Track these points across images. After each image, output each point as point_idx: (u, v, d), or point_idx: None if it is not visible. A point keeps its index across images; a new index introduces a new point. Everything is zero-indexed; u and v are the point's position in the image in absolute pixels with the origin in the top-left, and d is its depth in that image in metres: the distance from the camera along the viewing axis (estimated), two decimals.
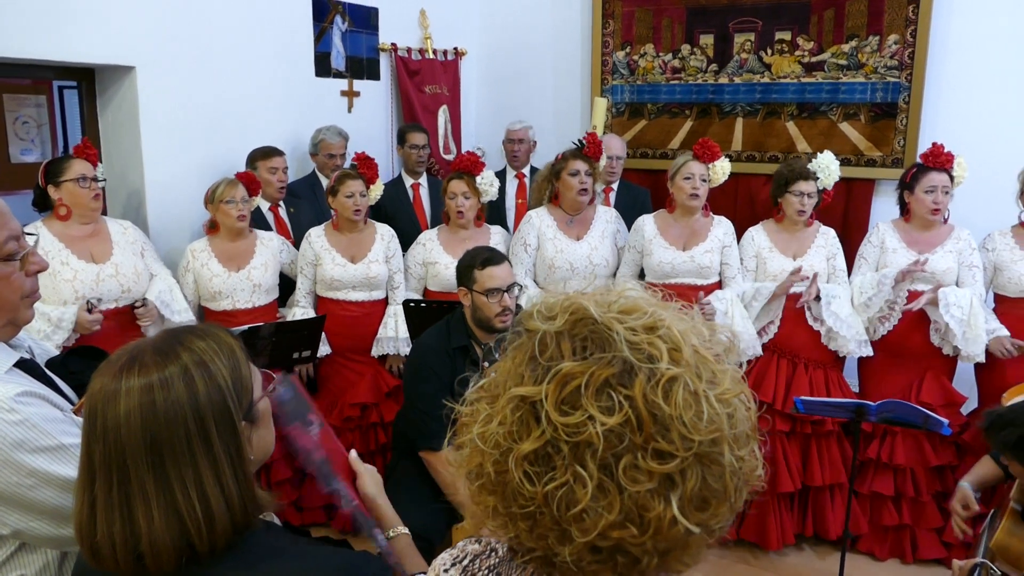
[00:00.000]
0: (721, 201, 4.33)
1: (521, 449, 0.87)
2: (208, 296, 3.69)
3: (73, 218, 3.28)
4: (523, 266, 3.97)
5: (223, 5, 4.08)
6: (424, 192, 4.81)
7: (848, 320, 3.67)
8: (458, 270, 3.04)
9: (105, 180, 3.49)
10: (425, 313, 3.61)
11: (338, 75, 4.82)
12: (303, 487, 3.93)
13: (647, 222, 3.91)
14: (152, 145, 3.84)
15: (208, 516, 1.07)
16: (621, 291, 0.95)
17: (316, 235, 3.90)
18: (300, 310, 3.86)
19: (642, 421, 0.84)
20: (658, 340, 0.88)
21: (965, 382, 3.80)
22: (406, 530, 1.60)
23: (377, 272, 3.88)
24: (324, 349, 3.82)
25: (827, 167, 3.76)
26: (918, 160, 3.75)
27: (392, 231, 4.04)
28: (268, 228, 4.12)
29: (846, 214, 4.60)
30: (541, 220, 3.99)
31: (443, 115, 5.36)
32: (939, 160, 3.62)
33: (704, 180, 3.78)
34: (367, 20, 4.97)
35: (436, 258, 3.94)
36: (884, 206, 4.35)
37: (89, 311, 3.15)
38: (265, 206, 4.19)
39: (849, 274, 3.86)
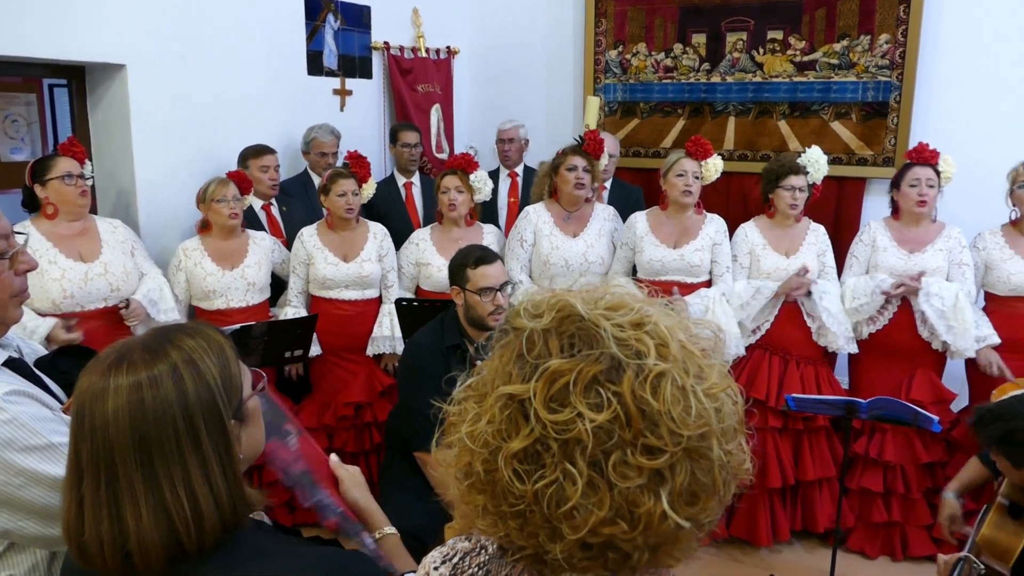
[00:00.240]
0: (713, 199, 4.34)
1: (510, 447, 0.87)
2: (201, 295, 3.67)
3: (61, 216, 3.25)
4: (519, 261, 3.98)
5: (215, 3, 4.06)
6: (416, 191, 4.80)
7: (838, 316, 3.69)
8: (451, 269, 3.04)
9: (92, 178, 3.47)
10: (418, 312, 3.61)
11: (330, 73, 4.82)
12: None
13: (639, 219, 3.91)
14: (143, 144, 3.83)
15: (197, 515, 1.06)
16: (607, 288, 0.95)
17: (308, 234, 3.89)
18: (292, 309, 3.85)
19: (631, 417, 0.84)
20: (645, 336, 0.88)
21: (955, 379, 3.82)
22: (394, 530, 1.59)
23: (370, 271, 3.88)
24: (315, 349, 3.81)
25: (816, 161, 3.78)
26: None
27: (385, 230, 4.03)
28: (260, 227, 4.11)
29: (838, 213, 4.61)
30: (538, 216, 4.00)
31: (436, 114, 5.35)
32: (923, 156, 3.66)
33: (697, 177, 3.79)
34: (359, 18, 4.96)
35: (429, 259, 3.94)
36: (875, 205, 4.36)
37: (68, 330, 3.05)
38: (258, 205, 4.18)
39: (839, 272, 3.88)
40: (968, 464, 2.80)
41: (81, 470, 1.08)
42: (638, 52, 5.10)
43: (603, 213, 4.08)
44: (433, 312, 3.35)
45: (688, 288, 3.80)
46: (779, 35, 4.71)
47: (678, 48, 4.98)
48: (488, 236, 4.02)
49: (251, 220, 4.04)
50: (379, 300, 3.99)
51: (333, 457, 1.63)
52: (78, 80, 3.86)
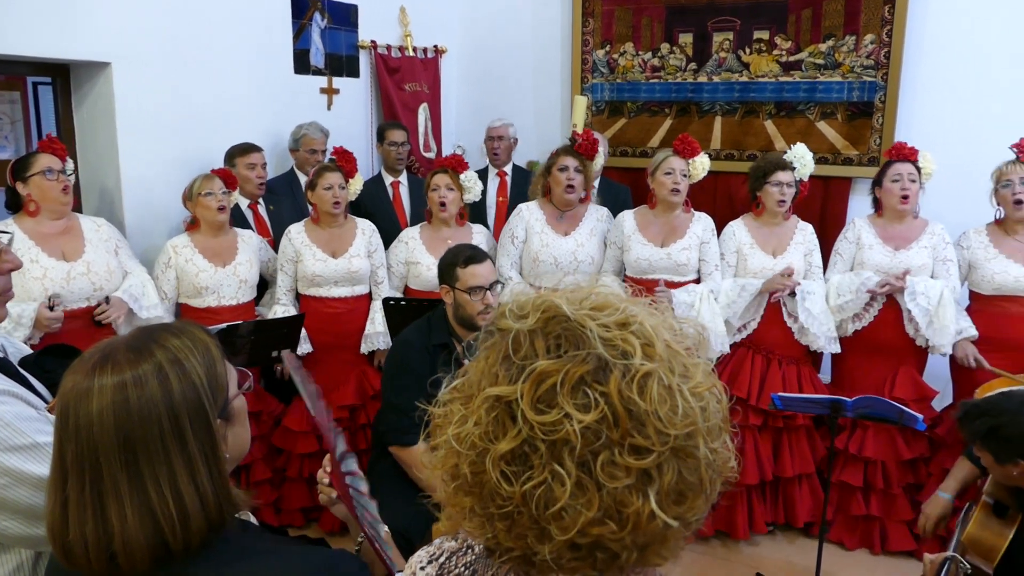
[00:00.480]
0: (700, 199, 4.35)
1: (498, 449, 0.87)
2: (192, 292, 3.65)
3: (43, 213, 3.22)
4: (509, 258, 3.99)
5: (201, 1, 4.04)
6: (404, 190, 4.80)
7: (820, 317, 3.71)
8: (440, 268, 3.03)
9: (73, 174, 3.43)
10: (406, 311, 3.61)
11: (317, 72, 4.80)
12: (282, 488, 3.92)
13: (627, 218, 3.92)
14: (128, 142, 3.80)
15: (182, 515, 1.06)
16: (592, 288, 0.95)
17: (296, 231, 3.87)
18: (282, 308, 3.83)
19: (618, 417, 0.84)
20: (631, 336, 0.88)
21: (937, 376, 3.86)
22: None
23: (359, 266, 3.87)
24: (305, 348, 3.80)
25: (802, 157, 3.81)
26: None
27: (373, 226, 4.02)
28: (248, 226, 4.09)
29: (823, 212, 4.64)
30: (531, 213, 4.01)
31: (423, 113, 5.35)
32: (903, 153, 3.71)
33: (685, 175, 3.80)
34: (346, 17, 4.95)
35: (418, 258, 3.93)
36: (861, 204, 4.39)
37: (51, 308, 3.06)
38: (244, 203, 4.17)
39: (824, 270, 3.90)
40: (958, 464, 2.82)
41: (66, 470, 1.07)
42: (625, 52, 5.11)
43: (596, 214, 4.08)
44: (421, 311, 3.34)
45: (675, 286, 3.80)
46: (765, 35, 4.73)
47: (665, 48, 5.00)
48: (477, 236, 4.02)
49: (238, 219, 4.02)
50: (369, 297, 3.98)
51: (340, 447, 1.63)
52: (63, 78, 3.83)
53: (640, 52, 5.07)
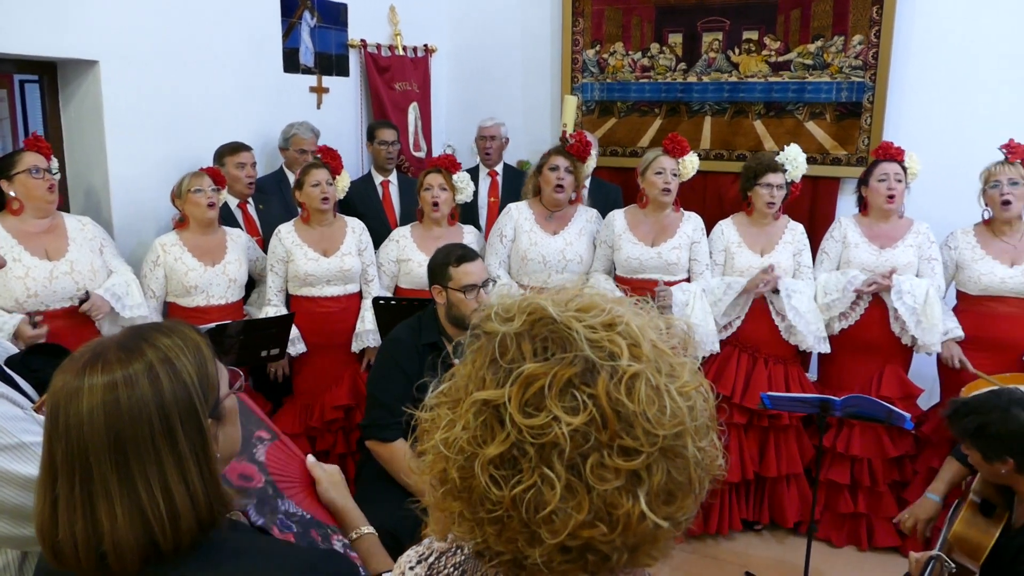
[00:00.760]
0: (690, 199, 4.36)
1: (486, 453, 0.86)
2: (181, 291, 3.63)
3: (27, 212, 3.20)
4: (498, 257, 3.99)
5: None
6: (394, 189, 4.79)
7: (807, 316, 3.73)
8: (431, 268, 3.03)
9: (58, 173, 3.41)
10: (395, 311, 3.60)
11: (307, 71, 4.79)
12: None
13: (617, 217, 3.93)
14: (116, 141, 3.78)
15: (173, 514, 1.06)
16: (577, 289, 0.95)
17: (286, 231, 3.85)
18: (273, 309, 3.81)
19: (607, 419, 0.84)
20: (618, 337, 0.88)
21: (925, 375, 3.88)
22: (372, 529, 1.59)
23: (351, 265, 3.86)
24: (299, 348, 3.79)
25: (794, 159, 3.82)
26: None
27: (362, 224, 4.01)
28: (237, 225, 4.08)
29: (812, 212, 4.66)
30: (520, 213, 4.01)
31: (413, 112, 5.34)
32: (889, 153, 3.73)
33: (675, 175, 3.82)
34: (336, 16, 4.94)
35: (409, 255, 3.93)
36: (849, 204, 4.41)
37: (33, 326, 3.00)
38: (234, 203, 4.15)
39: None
40: (946, 464, 2.83)
41: (55, 470, 1.07)
42: (615, 51, 5.12)
43: (586, 214, 4.09)
44: (411, 311, 3.34)
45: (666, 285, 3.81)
46: (754, 35, 4.75)
47: (655, 48, 5.01)
48: (468, 236, 4.02)
49: (227, 218, 4.00)
50: (360, 295, 3.97)
51: (310, 458, 1.62)
52: (50, 76, 3.81)
53: (630, 52, 5.08)
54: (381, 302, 3.71)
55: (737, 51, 4.80)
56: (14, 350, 1.76)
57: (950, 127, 4.31)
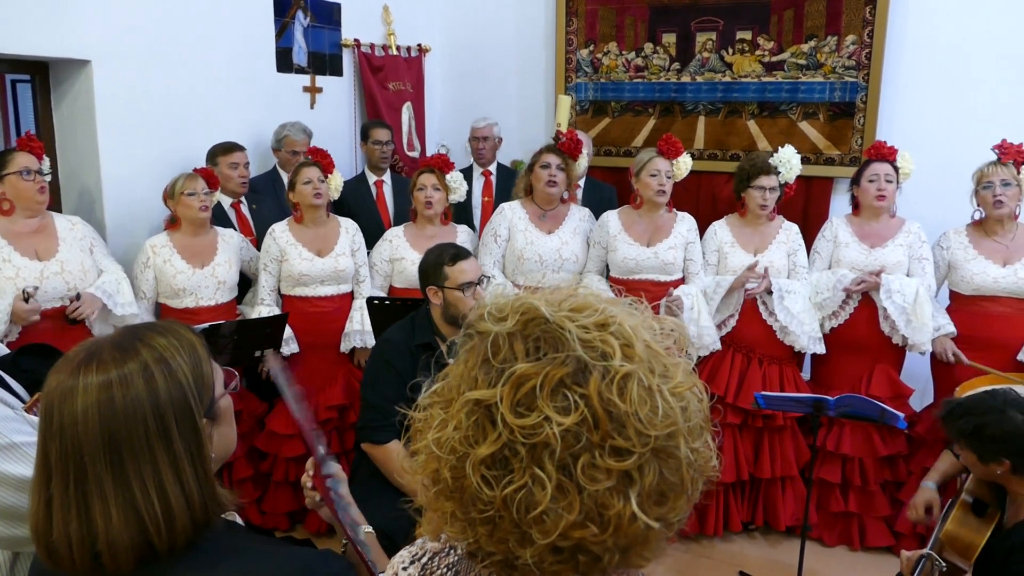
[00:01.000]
0: (684, 198, 4.37)
1: (478, 453, 0.86)
2: (170, 293, 3.62)
3: (17, 213, 3.19)
4: (492, 257, 3.99)
5: None
6: (388, 189, 4.78)
7: (801, 316, 3.73)
8: (424, 269, 3.02)
9: (50, 174, 3.40)
10: (389, 310, 3.60)
11: (300, 71, 4.78)
12: (266, 490, 3.89)
13: (611, 218, 3.93)
14: (109, 141, 3.77)
15: (167, 514, 1.05)
16: (571, 289, 0.95)
17: (280, 230, 3.85)
18: (266, 309, 3.80)
19: (598, 419, 0.84)
20: (610, 337, 0.87)
21: (918, 375, 3.89)
22: (370, 528, 1.59)
23: (345, 265, 3.86)
24: (292, 348, 3.78)
25: (788, 161, 3.82)
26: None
27: (356, 224, 4.01)
28: (230, 225, 4.07)
29: (805, 212, 4.67)
30: (513, 212, 4.01)
31: (407, 112, 5.33)
32: (882, 152, 3.74)
33: (669, 176, 3.83)
34: (329, 15, 4.93)
35: (403, 254, 3.92)
36: (842, 204, 4.42)
37: (26, 300, 3.02)
38: (227, 202, 4.14)
39: None
40: (942, 456, 2.84)
41: (49, 469, 1.06)
42: (609, 51, 5.12)
43: (578, 214, 4.10)
44: (405, 311, 3.34)
45: (662, 286, 3.82)
46: (748, 35, 4.76)
47: (648, 47, 5.01)
48: (462, 235, 4.02)
49: (220, 218, 3.99)
50: (352, 296, 3.96)
51: (320, 450, 1.63)
52: (42, 76, 3.79)
53: (624, 52, 5.09)
54: (375, 302, 3.70)
55: (731, 51, 4.81)
56: (5, 350, 1.76)
57: (943, 127, 4.33)
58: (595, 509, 0.84)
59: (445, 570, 1.01)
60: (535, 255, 3.93)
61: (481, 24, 5.51)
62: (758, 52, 4.75)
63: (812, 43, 4.61)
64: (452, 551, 1.02)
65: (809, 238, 4.03)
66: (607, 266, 3.98)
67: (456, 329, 2.96)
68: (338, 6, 4.97)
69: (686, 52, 4.93)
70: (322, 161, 3.87)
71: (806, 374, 4.08)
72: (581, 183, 4.59)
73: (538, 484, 0.84)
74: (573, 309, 0.90)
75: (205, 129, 4.12)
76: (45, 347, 1.78)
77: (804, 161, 4.03)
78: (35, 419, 1.41)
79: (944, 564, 2.38)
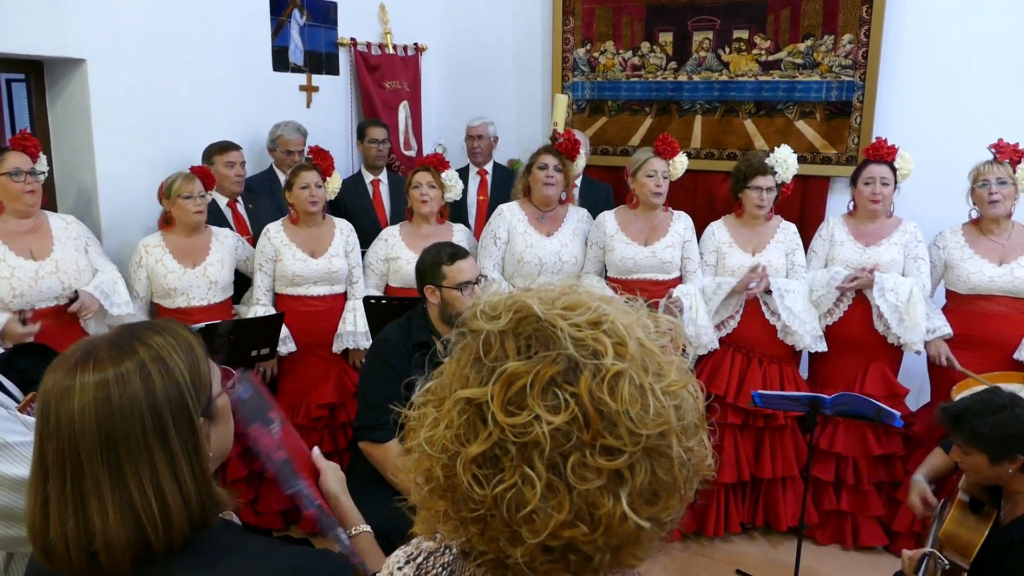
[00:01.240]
0: (680, 198, 4.37)
1: (469, 452, 0.86)
2: (162, 293, 3.62)
3: (8, 213, 3.19)
4: (491, 259, 3.98)
5: None
6: (384, 188, 4.78)
7: (801, 315, 3.74)
8: (421, 268, 3.02)
9: (44, 173, 3.39)
10: (385, 310, 3.59)
11: (296, 70, 4.77)
12: (260, 489, 3.88)
13: (608, 218, 3.93)
14: (104, 139, 3.76)
15: (165, 514, 1.05)
16: (566, 287, 0.94)
17: (275, 230, 3.85)
18: (261, 308, 3.80)
19: (589, 418, 0.83)
20: (603, 335, 0.87)
21: (915, 374, 3.90)
22: (368, 528, 1.59)
23: (339, 266, 3.86)
24: (289, 347, 3.78)
25: (784, 161, 3.82)
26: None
27: (350, 225, 4.01)
28: (226, 224, 4.06)
29: (802, 211, 4.67)
30: (512, 214, 4.00)
31: (403, 111, 5.33)
32: (880, 152, 3.73)
33: (665, 176, 3.83)
34: (326, 14, 4.92)
35: (398, 253, 3.92)
36: (839, 203, 4.42)
37: (23, 323, 2.99)
38: (223, 201, 4.13)
39: None
40: (933, 452, 2.84)
41: (46, 469, 1.06)
42: (606, 50, 5.12)
43: (576, 215, 4.09)
44: (401, 310, 3.33)
45: (660, 285, 3.82)
46: (745, 34, 4.76)
47: (645, 46, 5.01)
48: (458, 234, 4.01)
49: (217, 217, 3.99)
50: (345, 296, 3.96)
51: (315, 450, 1.63)
52: (36, 74, 3.78)
53: (620, 51, 5.08)
54: (372, 301, 3.70)
55: (727, 50, 4.81)
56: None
57: (940, 126, 4.33)
58: (585, 508, 0.83)
59: (440, 569, 1.01)
60: (535, 258, 3.92)
61: (478, 23, 5.50)
62: (755, 51, 4.75)
63: (809, 42, 4.61)
64: (447, 550, 1.02)
65: (806, 237, 4.03)
66: (604, 266, 3.98)
67: (454, 328, 2.95)
68: (334, 5, 4.96)
69: (683, 51, 4.92)
70: (322, 164, 3.86)
71: (804, 373, 4.08)
72: (578, 182, 4.59)
73: (528, 483, 0.83)
74: (566, 307, 0.90)
75: (201, 128, 4.11)
76: (39, 347, 1.78)
77: (801, 160, 4.04)
78: (29, 419, 1.40)
79: (947, 562, 2.38)
